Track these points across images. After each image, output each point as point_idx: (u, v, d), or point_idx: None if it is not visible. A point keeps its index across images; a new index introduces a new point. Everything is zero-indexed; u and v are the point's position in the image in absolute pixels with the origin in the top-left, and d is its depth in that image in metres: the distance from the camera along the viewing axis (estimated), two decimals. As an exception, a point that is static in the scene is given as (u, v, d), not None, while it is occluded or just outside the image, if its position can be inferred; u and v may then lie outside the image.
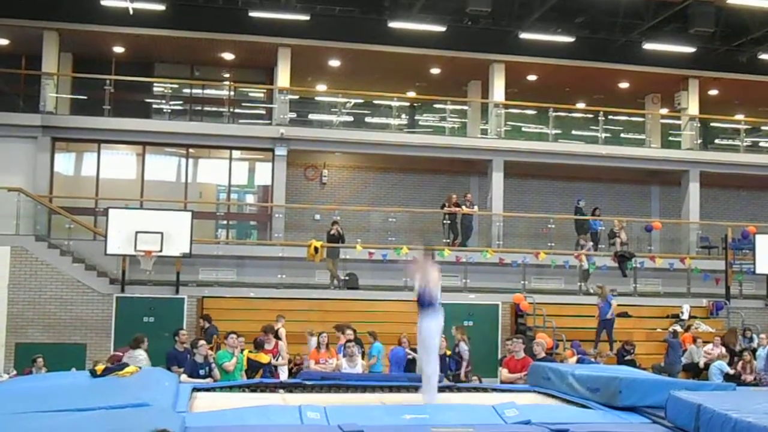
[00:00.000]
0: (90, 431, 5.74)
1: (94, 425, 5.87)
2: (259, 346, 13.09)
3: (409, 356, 14.64)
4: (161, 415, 6.21)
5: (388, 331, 16.22)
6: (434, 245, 8.63)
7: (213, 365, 11.99)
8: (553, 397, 8.56)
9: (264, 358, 12.87)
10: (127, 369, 8.48)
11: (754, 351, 17.32)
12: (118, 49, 22.57)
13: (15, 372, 15.07)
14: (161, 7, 19.88)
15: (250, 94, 25.12)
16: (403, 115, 24.25)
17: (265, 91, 24.12)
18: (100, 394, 7.14)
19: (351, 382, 9.43)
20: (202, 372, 11.75)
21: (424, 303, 8.29)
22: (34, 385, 8.06)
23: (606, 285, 18.85)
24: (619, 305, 19.67)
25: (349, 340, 14.02)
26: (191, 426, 6.30)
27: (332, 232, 19.94)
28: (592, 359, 15.31)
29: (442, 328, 8.47)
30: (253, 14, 20.38)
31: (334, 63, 23.40)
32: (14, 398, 6.99)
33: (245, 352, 12.67)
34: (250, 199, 24.80)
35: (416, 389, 8.87)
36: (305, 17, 20.65)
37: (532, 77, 24.32)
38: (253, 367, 12.51)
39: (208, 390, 8.84)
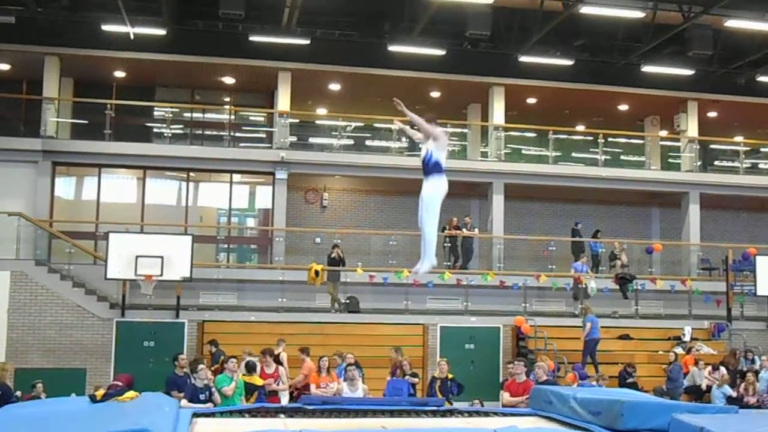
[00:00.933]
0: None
1: (94, 451, 5.83)
2: (251, 369, 13.07)
3: (411, 381, 14.56)
4: (161, 441, 6.16)
5: (389, 355, 16.14)
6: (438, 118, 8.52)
7: (213, 390, 11.97)
8: (555, 420, 8.49)
9: (257, 380, 12.83)
10: (127, 394, 8.44)
11: (756, 373, 17.23)
12: (119, 74, 22.68)
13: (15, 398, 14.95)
14: (162, 32, 19.96)
15: (251, 118, 25.24)
16: (404, 138, 24.24)
17: (265, 114, 24.25)
18: (100, 419, 7.09)
19: (352, 407, 9.35)
20: (202, 397, 11.75)
21: (428, 167, 8.21)
22: (34, 411, 8.01)
23: (591, 306, 18.88)
24: (618, 327, 19.75)
25: (350, 364, 14.00)
26: (191, 452, 6.26)
27: (333, 255, 19.92)
28: (594, 383, 15.24)
29: (445, 193, 8.33)
30: (253, 38, 20.46)
31: (334, 87, 23.51)
32: (14, 424, 6.95)
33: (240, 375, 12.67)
34: (250, 222, 24.81)
35: (417, 413, 8.82)
36: (305, 41, 20.76)
37: (531, 100, 24.42)
38: (247, 390, 12.49)
39: (208, 415, 8.77)
